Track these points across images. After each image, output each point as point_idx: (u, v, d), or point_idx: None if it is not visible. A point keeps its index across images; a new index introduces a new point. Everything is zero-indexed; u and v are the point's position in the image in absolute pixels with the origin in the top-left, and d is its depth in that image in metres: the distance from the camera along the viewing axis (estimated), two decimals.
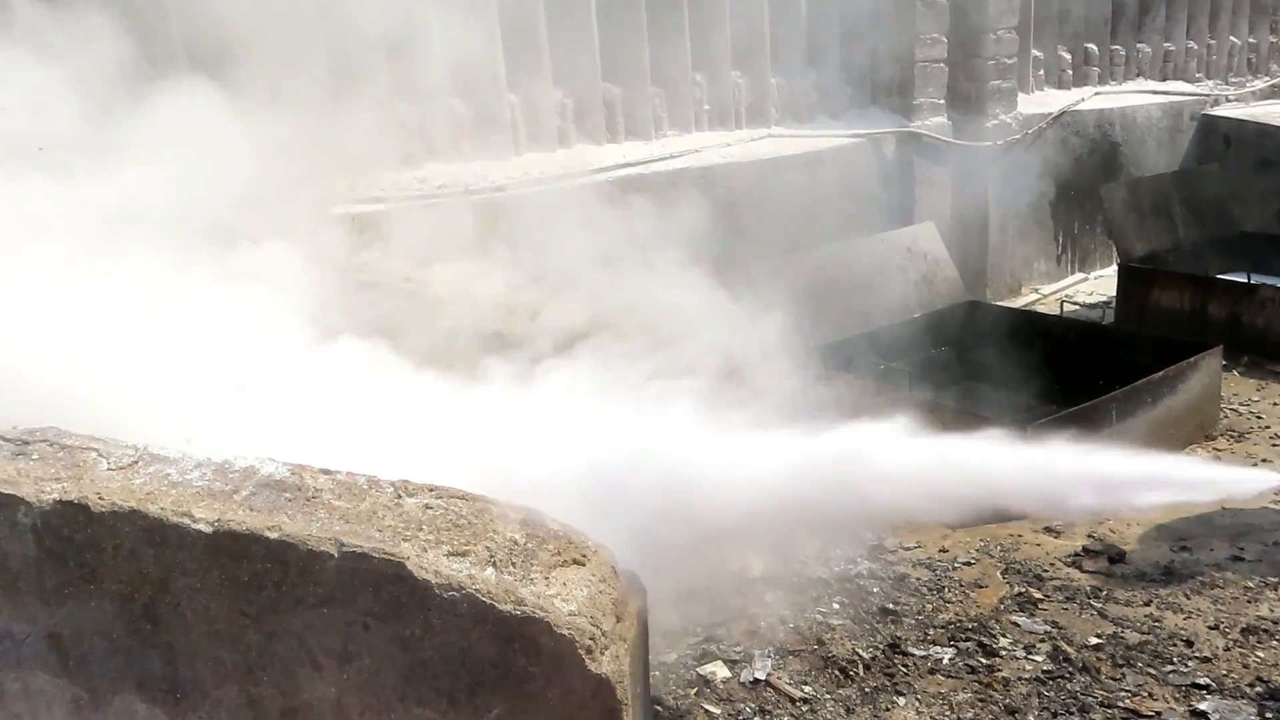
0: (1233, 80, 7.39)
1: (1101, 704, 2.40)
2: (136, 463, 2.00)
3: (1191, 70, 7.29)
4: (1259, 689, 2.44)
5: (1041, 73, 6.70)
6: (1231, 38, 7.43)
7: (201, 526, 1.81)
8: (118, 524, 1.83)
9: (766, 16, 5.29)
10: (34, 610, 1.90)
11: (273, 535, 1.80)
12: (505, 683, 1.78)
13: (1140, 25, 7.16)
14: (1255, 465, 2.17)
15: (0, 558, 1.88)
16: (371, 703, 1.84)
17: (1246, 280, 5.10)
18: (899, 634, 2.63)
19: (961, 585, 3.01)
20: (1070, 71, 6.84)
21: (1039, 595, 2.93)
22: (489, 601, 1.76)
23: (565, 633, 1.75)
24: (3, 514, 1.86)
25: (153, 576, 1.84)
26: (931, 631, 2.68)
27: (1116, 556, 3.14)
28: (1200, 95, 7.11)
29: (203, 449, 1.93)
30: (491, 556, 1.86)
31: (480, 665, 1.79)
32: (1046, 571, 3.09)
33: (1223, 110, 7.05)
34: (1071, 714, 2.37)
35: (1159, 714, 2.36)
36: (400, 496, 2.01)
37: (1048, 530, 3.38)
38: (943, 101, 5.83)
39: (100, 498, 1.84)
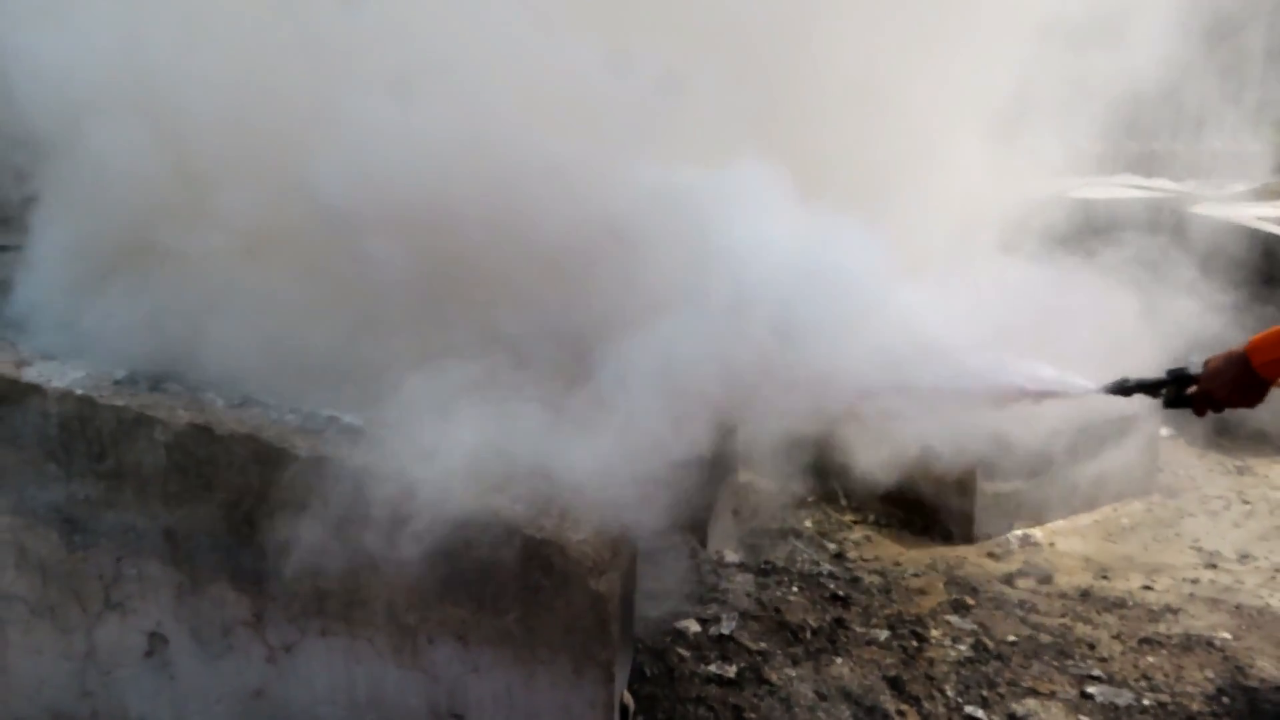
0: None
1: (1008, 683, 2.87)
2: (244, 404, 2.52)
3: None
4: (1142, 683, 2.91)
5: None
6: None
7: (300, 452, 2.33)
8: (234, 445, 2.35)
9: None
10: (156, 509, 2.40)
11: (353, 463, 2.32)
12: (523, 592, 2.27)
13: None
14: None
15: (136, 465, 2.39)
16: (415, 601, 2.33)
17: None
18: (845, 616, 3.11)
19: (908, 590, 3.48)
20: None
21: (972, 602, 3.40)
22: (516, 527, 2.26)
23: (573, 555, 2.24)
24: (143, 430, 2.38)
25: (255, 489, 2.35)
26: (874, 619, 3.16)
27: (1044, 579, 3.62)
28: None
29: None
30: (519, 497, 2.36)
31: (504, 577, 2.27)
32: (983, 586, 3.56)
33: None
34: (981, 687, 2.84)
35: (1054, 693, 2.83)
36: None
37: (990, 555, 3.86)
38: None
39: (221, 423, 2.37)
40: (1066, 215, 3.89)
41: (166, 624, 2.45)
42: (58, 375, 2.46)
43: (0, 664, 2.50)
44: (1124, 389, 2.24)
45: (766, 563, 3.38)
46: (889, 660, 2.87)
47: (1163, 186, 7.46)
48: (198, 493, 2.37)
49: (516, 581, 2.27)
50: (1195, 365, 2.20)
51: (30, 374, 2.45)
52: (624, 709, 2.47)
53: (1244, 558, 3.80)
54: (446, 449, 2.27)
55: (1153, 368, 2.25)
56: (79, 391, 2.40)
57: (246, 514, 2.36)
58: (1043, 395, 2.24)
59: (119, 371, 2.55)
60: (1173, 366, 2.22)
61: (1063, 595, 3.49)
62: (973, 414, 2.28)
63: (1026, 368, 2.20)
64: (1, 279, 2.95)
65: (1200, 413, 2.21)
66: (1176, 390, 2.21)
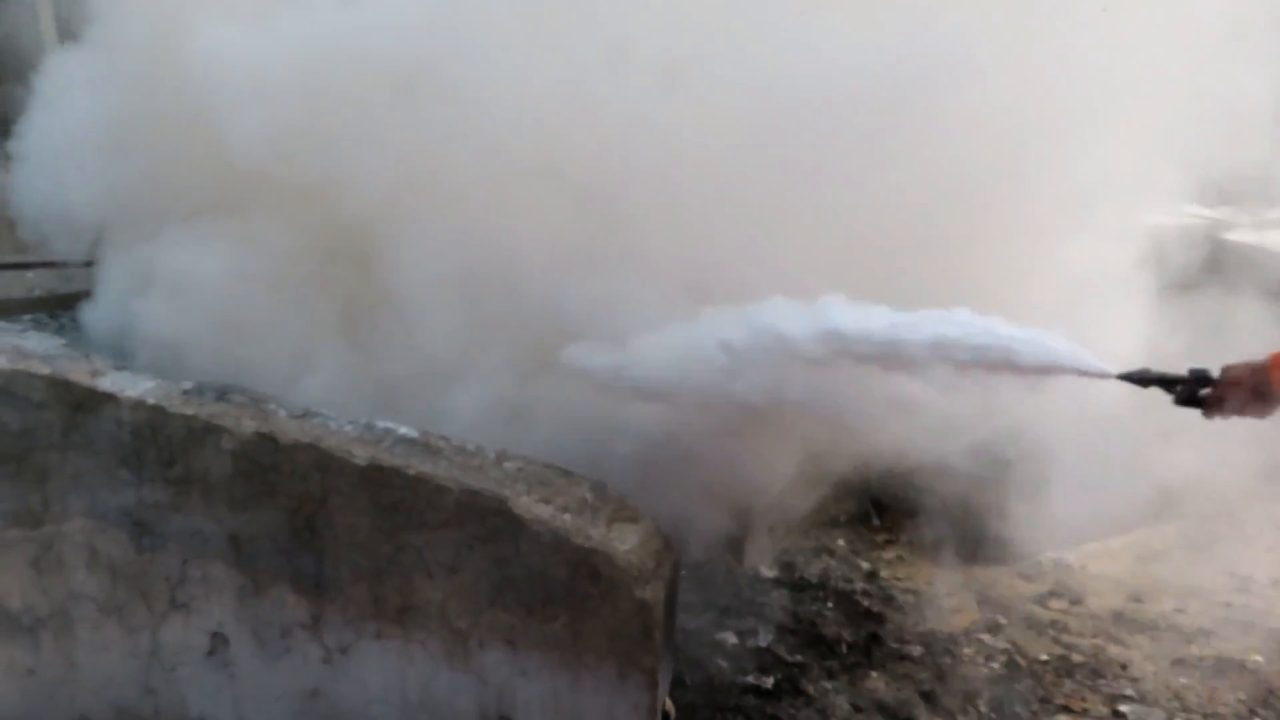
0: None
1: (1040, 700, 2.92)
2: (305, 415, 2.63)
3: None
4: (1175, 703, 2.95)
5: None
6: None
7: (359, 460, 2.43)
8: (297, 453, 2.46)
9: None
10: (221, 514, 2.51)
11: (411, 471, 2.42)
12: (571, 599, 2.36)
13: None
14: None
15: (203, 472, 2.51)
16: (468, 607, 2.42)
17: None
18: (880, 632, 3.17)
19: (941, 609, 3.53)
20: None
21: (1005, 621, 3.45)
22: (566, 535, 2.35)
23: (620, 564, 2.33)
24: (210, 439, 2.50)
25: (316, 495, 2.46)
26: (908, 635, 3.22)
27: (1076, 600, 3.66)
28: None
29: None
30: (567, 506, 2.46)
31: (553, 584, 2.36)
32: (1015, 606, 3.61)
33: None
34: (1014, 703, 2.89)
35: (1086, 710, 2.88)
36: (500, 461, 2.63)
37: (1022, 576, 3.90)
38: None
39: (285, 432, 2.48)
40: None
41: (228, 624, 2.56)
42: (130, 385, 2.59)
43: (70, 660, 2.62)
44: (1142, 379, 2.26)
45: (801, 579, 3.45)
46: (923, 675, 2.92)
47: (1197, 213, 7.47)
48: (261, 499, 2.48)
49: (564, 588, 2.36)
50: (1216, 370, 2.25)
51: (105, 383, 2.58)
52: (665, 715, 2.54)
53: (1277, 583, 3.82)
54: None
55: (1175, 367, 2.28)
56: (151, 400, 2.53)
57: (308, 519, 2.47)
58: (1059, 372, 2.24)
59: (186, 382, 2.68)
60: (1195, 367, 2.27)
61: (1095, 616, 3.52)
62: (988, 389, 2.28)
63: (1045, 342, 2.20)
64: (73, 293, 3.09)
65: (1210, 416, 2.25)
66: (1192, 390, 2.24)
